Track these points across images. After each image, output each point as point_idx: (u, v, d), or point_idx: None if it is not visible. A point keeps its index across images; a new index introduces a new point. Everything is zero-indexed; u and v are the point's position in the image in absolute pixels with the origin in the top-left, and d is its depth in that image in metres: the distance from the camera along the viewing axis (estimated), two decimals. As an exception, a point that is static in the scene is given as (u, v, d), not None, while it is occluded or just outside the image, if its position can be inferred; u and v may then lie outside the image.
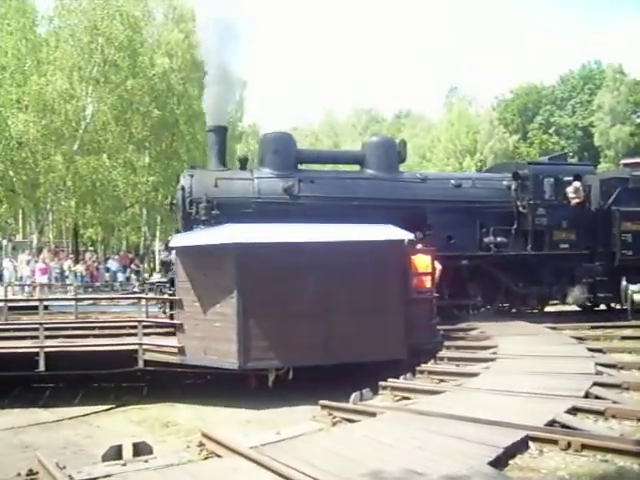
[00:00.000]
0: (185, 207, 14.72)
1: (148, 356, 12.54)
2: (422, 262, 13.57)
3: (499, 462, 6.05)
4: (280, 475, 5.69)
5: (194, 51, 37.60)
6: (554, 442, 6.62)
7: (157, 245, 40.86)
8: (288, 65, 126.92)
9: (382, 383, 10.28)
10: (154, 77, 34.36)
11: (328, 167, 20.52)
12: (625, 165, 28.55)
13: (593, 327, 15.69)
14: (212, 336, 11.79)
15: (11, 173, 31.00)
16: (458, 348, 13.44)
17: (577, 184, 17.14)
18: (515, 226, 17.07)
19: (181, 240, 12.56)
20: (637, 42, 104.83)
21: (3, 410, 11.57)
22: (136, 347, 12.59)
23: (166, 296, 14.00)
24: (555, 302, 18.68)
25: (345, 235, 12.40)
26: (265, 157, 15.90)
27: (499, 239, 16.85)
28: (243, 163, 16.25)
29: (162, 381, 12.41)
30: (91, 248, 41.86)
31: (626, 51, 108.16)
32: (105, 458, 6.79)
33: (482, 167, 48.08)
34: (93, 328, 14.56)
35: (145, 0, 36.08)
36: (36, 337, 12.61)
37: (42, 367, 12.20)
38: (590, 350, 12.24)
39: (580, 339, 13.85)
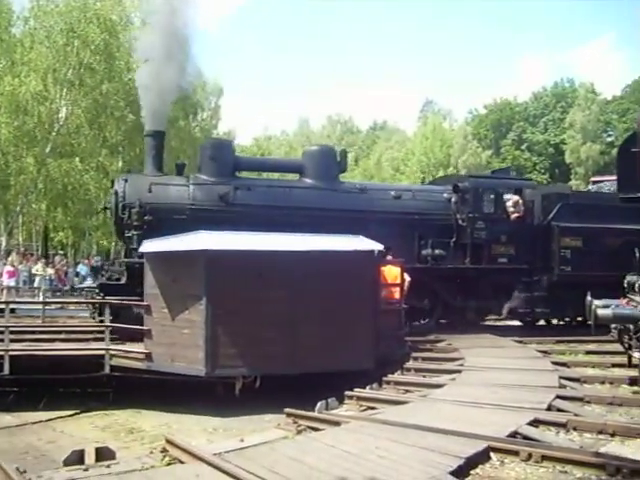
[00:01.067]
0: (118, 212, 14.64)
1: (115, 362, 12.44)
2: (391, 273, 13.68)
3: (460, 472, 6.14)
4: (241, 481, 5.71)
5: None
6: (515, 453, 6.73)
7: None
8: (265, 74, 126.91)
9: (348, 393, 10.33)
10: (130, 81, 34.12)
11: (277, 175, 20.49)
12: (594, 182, 29.12)
13: (558, 341, 15.89)
14: (180, 343, 11.76)
15: (-19, 174, 30.60)
16: (425, 359, 13.54)
17: (516, 198, 17.21)
18: (454, 239, 17.00)
19: (151, 246, 12.51)
20: (609, 62, 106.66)
21: (-36, 413, 11.41)
22: (103, 352, 12.49)
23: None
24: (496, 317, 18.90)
25: (315, 245, 12.45)
26: (202, 164, 15.81)
27: (437, 251, 16.76)
28: (180, 169, 16.06)
29: (128, 387, 12.30)
30: (61, 252, 41.39)
31: (598, 70, 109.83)
32: (67, 463, 6.75)
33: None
34: (60, 332, 14.40)
35: (123, 4, 35.88)
36: (1, 340, 12.45)
37: (6, 370, 12.03)
38: (554, 364, 12.45)
39: (545, 352, 14.06)
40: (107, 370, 12.39)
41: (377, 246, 12.96)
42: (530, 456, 6.61)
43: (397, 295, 13.75)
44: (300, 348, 11.84)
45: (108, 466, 6.58)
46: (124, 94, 33.56)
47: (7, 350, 12.14)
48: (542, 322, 19.37)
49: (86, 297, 15.52)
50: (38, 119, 30.38)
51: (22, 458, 8.08)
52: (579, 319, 19.00)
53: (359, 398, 10.17)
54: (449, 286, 16.80)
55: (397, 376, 12.06)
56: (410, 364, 12.96)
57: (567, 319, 19.38)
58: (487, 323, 19.07)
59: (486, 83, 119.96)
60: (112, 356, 12.45)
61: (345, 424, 8.06)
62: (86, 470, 6.49)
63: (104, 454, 6.97)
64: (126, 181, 14.95)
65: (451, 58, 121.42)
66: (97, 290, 14.51)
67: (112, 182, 15.88)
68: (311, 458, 6.48)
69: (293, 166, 17.64)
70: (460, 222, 16.81)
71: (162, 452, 7.25)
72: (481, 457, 6.60)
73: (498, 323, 19.46)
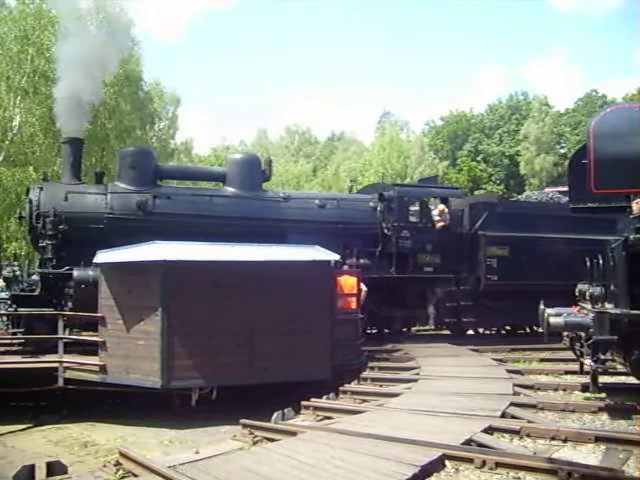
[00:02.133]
0: (32, 221, 14.31)
1: (69, 374, 12.23)
2: (348, 283, 13.72)
3: (415, 480, 6.17)
4: (196, 494, 5.67)
5: (127, 66, 37.18)
6: (470, 460, 6.81)
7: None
8: (224, 84, 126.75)
9: (304, 403, 10.35)
10: (86, 90, 33.82)
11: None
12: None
13: (513, 349, 16.13)
14: (135, 354, 11.62)
15: None
16: (382, 369, 13.63)
17: (442, 207, 17.28)
18: (379, 248, 16.97)
19: (106, 256, 12.36)
20: (562, 76, 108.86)
21: None
22: (56, 365, 12.28)
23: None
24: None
25: (272, 255, 12.44)
26: (122, 172, 15.46)
27: (362, 261, 16.57)
28: (99, 177, 15.79)
29: (83, 400, 12.10)
30: (15, 263, 40.64)
31: (552, 84, 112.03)
32: (17, 478, 6.62)
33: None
34: (12, 344, 14.10)
35: (78, 12, 35.52)
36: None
37: (-45, 383, 11.77)
38: (509, 372, 12.61)
39: (500, 361, 14.24)
40: (61, 383, 12.16)
41: (333, 256, 12.99)
42: (484, 463, 6.70)
43: (354, 305, 13.78)
44: (257, 358, 11.81)
45: (59, 481, 6.48)
46: (79, 103, 33.17)
47: (-44, 363, 11.87)
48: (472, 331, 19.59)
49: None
50: (-10, 127, 29.86)
51: (-30, 474, 7.89)
52: (507, 328, 19.34)
53: (315, 408, 10.18)
54: (374, 296, 16.21)
55: (354, 386, 12.10)
56: (367, 374, 13.01)
57: (494, 329, 19.72)
58: (419, 333, 19.56)
59: (443, 96, 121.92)
60: (66, 369, 12.24)
61: (301, 434, 8.06)
62: (36, 485, 6.39)
63: (56, 469, 6.86)
64: (41, 189, 14.52)
65: (409, 70, 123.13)
66: (9, 302, 14.08)
67: (27, 190, 15.47)
68: (267, 469, 6.47)
69: (216, 175, 17.36)
70: (386, 231, 16.73)
71: (116, 465, 7.17)
72: (436, 465, 6.66)
73: (429, 332, 19.79)
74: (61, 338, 12.39)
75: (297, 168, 70.74)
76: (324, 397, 10.96)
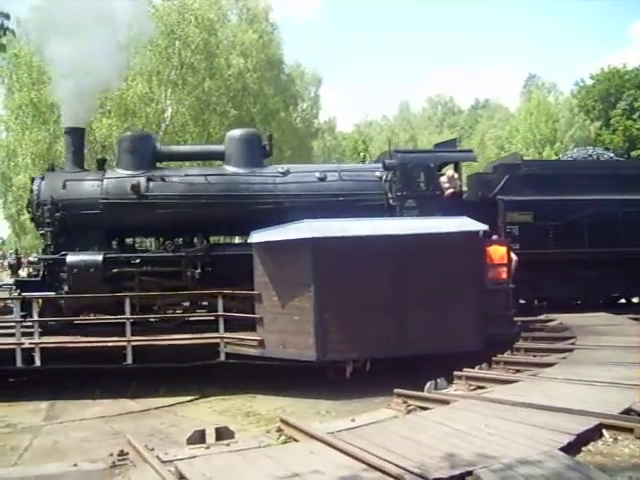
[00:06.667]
0: (33, 209, 14.77)
1: (229, 349, 12.97)
2: (497, 253, 13.53)
3: (571, 448, 6.13)
4: (354, 458, 5.93)
5: (268, 50, 38.13)
6: (629, 430, 6.63)
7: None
8: (364, 59, 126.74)
9: (457, 373, 10.40)
10: (230, 77, 35.00)
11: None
12: None
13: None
14: (290, 329, 12.10)
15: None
16: (535, 339, 13.36)
17: (451, 173, 15.79)
18: None
19: (259, 236, 12.88)
20: None
21: (94, 400, 12.21)
22: (218, 341, 13.03)
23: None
24: None
25: (420, 228, 12.49)
26: (120, 157, 15.50)
27: None
28: (100, 164, 15.81)
29: (243, 373, 12.79)
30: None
31: None
32: (189, 441, 7.21)
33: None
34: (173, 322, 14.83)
35: (219, 2, 36.75)
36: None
37: (130, 360, 12.79)
38: (672, 340, 12.00)
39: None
40: (222, 357, 12.94)
41: (482, 226, 12.88)
42: (645, 433, 6.49)
43: (504, 275, 13.58)
44: (408, 330, 11.94)
45: (228, 444, 6.99)
46: (225, 90, 34.45)
47: (130, 341, 12.86)
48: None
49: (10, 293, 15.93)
50: (146, 120, 31.63)
51: (148, 440, 8.56)
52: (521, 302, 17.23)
53: (468, 378, 10.21)
54: None
55: (506, 356, 12.01)
56: (520, 344, 12.83)
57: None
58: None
59: (592, 53, 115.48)
60: (227, 344, 12.97)
61: (454, 403, 8.15)
62: (207, 448, 6.94)
63: (224, 434, 7.37)
64: (42, 179, 14.96)
65: (554, 30, 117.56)
66: (14, 287, 14.77)
67: (32, 180, 15.83)
68: (421, 435, 6.63)
69: (216, 153, 16.87)
70: (391, 201, 15.29)
71: (278, 432, 7.60)
72: (592, 434, 6.55)
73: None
74: (221, 315, 13.10)
75: (441, 139, 69.75)
76: (476, 367, 10.96)
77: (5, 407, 12.01)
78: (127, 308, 13.11)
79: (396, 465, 5.60)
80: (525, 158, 24.40)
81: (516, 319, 13.82)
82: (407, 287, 12.00)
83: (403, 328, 11.94)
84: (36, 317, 13.14)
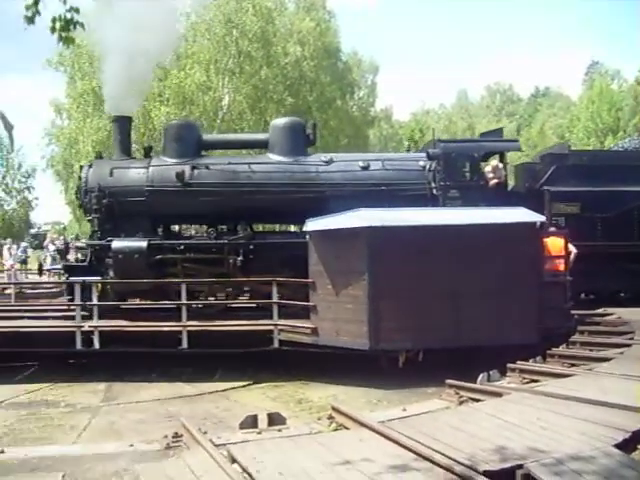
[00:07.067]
0: (81, 196, 15.03)
1: (283, 336, 13.07)
2: (555, 245, 13.29)
3: (626, 445, 6.03)
4: (403, 447, 5.94)
5: (325, 38, 38.15)
6: (691, 430, 6.43)
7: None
8: (421, 47, 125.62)
9: (510, 365, 10.28)
10: (287, 66, 35.18)
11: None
12: None
13: None
14: (344, 317, 12.13)
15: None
16: (592, 333, 13.08)
17: (495, 163, 15.37)
18: None
19: (314, 224, 12.93)
20: None
21: (151, 383, 12.53)
22: (272, 328, 13.15)
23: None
24: None
25: (476, 218, 12.37)
26: (166, 146, 15.66)
27: None
28: (147, 151, 16.07)
29: (296, 360, 12.89)
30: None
31: None
32: (242, 426, 7.33)
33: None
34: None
35: (277, -9, 36.89)
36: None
37: (185, 345, 13.02)
38: None
39: None
40: (276, 344, 13.07)
41: (539, 218, 12.67)
42: None
43: (562, 267, 13.33)
44: (463, 321, 11.84)
45: (279, 430, 7.10)
46: (282, 78, 34.59)
47: (185, 326, 13.08)
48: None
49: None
50: (203, 108, 32.05)
51: (202, 423, 8.74)
52: None
53: (522, 371, 10.09)
54: None
55: (562, 349, 11.80)
56: (576, 337, 12.60)
57: None
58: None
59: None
60: (280, 331, 13.08)
61: (506, 395, 8.07)
62: (259, 433, 7.07)
63: (275, 419, 7.48)
64: (90, 167, 15.27)
65: (619, 15, 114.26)
66: (62, 271, 15.18)
67: (80, 167, 16.16)
68: (472, 427, 6.59)
69: (259, 142, 16.86)
70: (434, 192, 15.02)
71: (329, 419, 7.65)
72: (649, 431, 6.39)
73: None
74: (276, 303, 13.21)
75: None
76: (531, 360, 10.81)
77: (65, 388, 12.46)
78: (183, 294, 13.37)
79: (446, 456, 5.59)
80: (586, 148, 23.82)
81: (573, 312, 13.58)
82: (463, 277, 11.88)
83: (458, 319, 11.84)
84: (95, 301, 13.47)
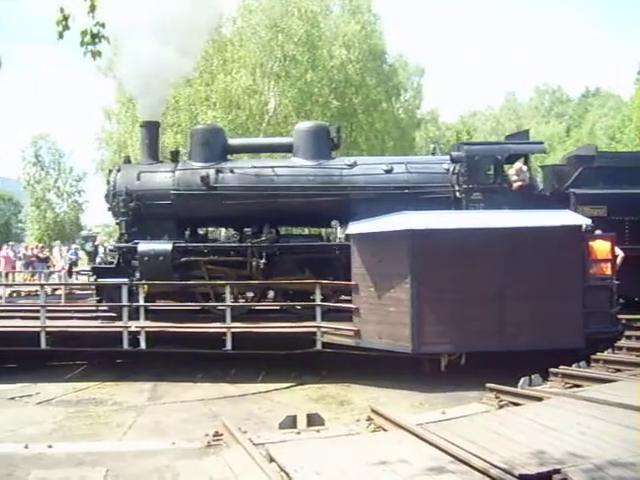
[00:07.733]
0: (110, 200, 15.23)
1: (326, 338, 13.14)
2: (601, 248, 13.10)
3: (669, 453, 5.90)
4: (440, 449, 5.96)
5: (371, 41, 38.06)
6: None
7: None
8: (469, 48, 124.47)
9: (552, 370, 10.21)
10: (332, 69, 35.21)
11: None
12: None
13: None
14: (386, 320, 12.15)
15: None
16: (639, 338, 12.85)
17: (519, 165, 15.05)
18: None
19: (357, 228, 12.98)
20: None
21: (195, 384, 12.75)
22: (315, 330, 13.23)
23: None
24: None
25: (520, 221, 12.26)
26: (192, 150, 15.82)
27: None
28: (174, 156, 16.04)
29: (339, 362, 12.94)
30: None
31: None
32: (281, 426, 7.44)
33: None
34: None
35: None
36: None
37: (229, 346, 13.20)
38: None
39: None
40: (319, 346, 13.14)
41: (585, 221, 12.51)
42: None
43: (608, 271, 13.12)
44: (506, 325, 11.76)
45: (318, 431, 7.18)
46: (327, 81, 34.65)
47: (229, 327, 13.26)
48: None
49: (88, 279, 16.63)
50: (249, 112, 32.30)
51: (244, 423, 8.86)
52: None
53: (564, 375, 10.01)
54: None
55: (607, 354, 11.65)
56: (622, 342, 12.43)
57: None
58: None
59: None
60: (323, 333, 13.15)
61: (547, 400, 8.02)
62: (298, 433, 7.15)
63: (314, 420, 7.56)
64: (118, 171, 15.52)
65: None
66: (90, 273, 15.49)
67: (109, 172, 16.40)
68: (510, 431, 6.58)
69: (283, 146, 17.03)
70: (458, 194, 14.85)
71: (368, 421, 7.69)
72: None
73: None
74: (319, 305, 13.29)
75: (549, 130, 67.88)
76: (574, 365, 10.69)
77: (112, 386, 12.77)
78: (227, 296, 13.58)
79: (482, 459, 5.60)
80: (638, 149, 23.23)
81: (620, 317, 13.36)
82: (508, 281, 11.80)
83: (501, 323, 11.77)
84: (142, 302, 13.74)
